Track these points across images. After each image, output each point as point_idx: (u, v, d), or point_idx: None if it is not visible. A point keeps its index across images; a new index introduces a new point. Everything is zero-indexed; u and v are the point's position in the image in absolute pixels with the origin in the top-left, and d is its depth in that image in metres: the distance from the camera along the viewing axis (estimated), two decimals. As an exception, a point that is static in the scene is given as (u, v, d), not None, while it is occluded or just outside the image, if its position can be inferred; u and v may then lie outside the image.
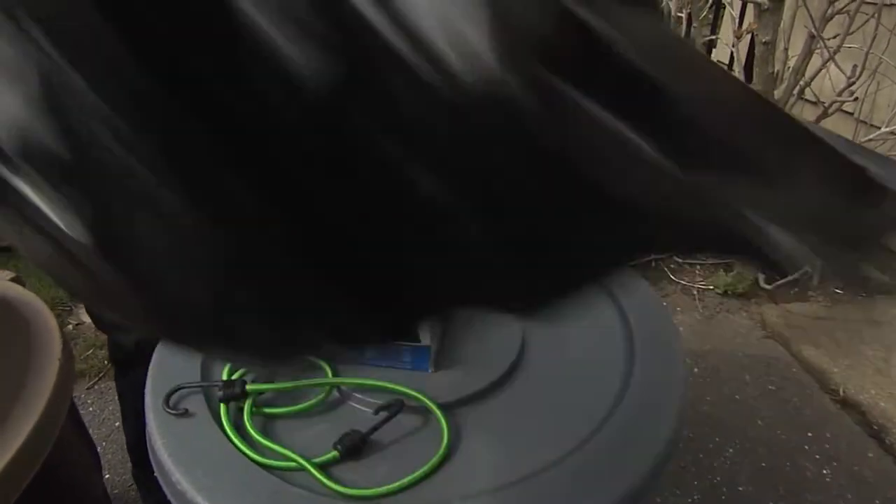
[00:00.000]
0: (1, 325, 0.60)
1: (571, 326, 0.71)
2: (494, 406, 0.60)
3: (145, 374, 0.93)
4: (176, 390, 0.59)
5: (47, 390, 0.57)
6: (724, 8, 2.09)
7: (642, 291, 0.76)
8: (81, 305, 1.62)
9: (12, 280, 0.73)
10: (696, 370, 1.61)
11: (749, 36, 1.65)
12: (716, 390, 1.54)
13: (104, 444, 1.36)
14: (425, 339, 0.60)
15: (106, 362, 1.48)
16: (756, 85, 1.58)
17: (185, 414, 0.57)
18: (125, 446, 1.17)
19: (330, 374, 0.61)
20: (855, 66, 1.46)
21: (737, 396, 1.52)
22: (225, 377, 0.61)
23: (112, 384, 1.10)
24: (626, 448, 0.54)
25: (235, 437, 0.55)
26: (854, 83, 1.45)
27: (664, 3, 1.81)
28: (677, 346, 0.67)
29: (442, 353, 0.64)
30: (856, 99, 1.49)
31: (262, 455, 0.53)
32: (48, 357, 0.61)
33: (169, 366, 0.63)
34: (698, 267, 2.02)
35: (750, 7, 1.62)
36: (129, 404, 1.13)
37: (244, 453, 0.53)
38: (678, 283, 1.95)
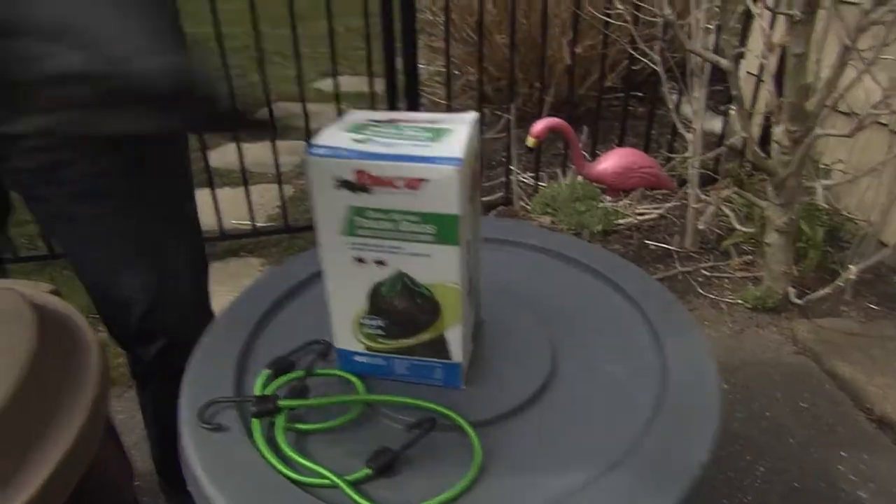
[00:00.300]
0: (42, 337, 0.61)
1: (601, 343, 0.70)
2: (526, 425, 0.59)
3: (166, 387, 0.93)
4: (209, 404, 0.60)
5: (87, 402, 0.58)
6: (754, 19, 2.07)
7: (672, 307, 0.75)
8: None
9: (50, 293, 0.74)
10: (725, 386, 1.58)
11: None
12: (746, 407, 1.51)
13: (133, 451, 1.38)
14: (457, 356, 0.60)
15: (135, 371, 1.50)
16: (788, 97, 1.56)
17: (219, 428, 0.58)
18: (152, 457, 1.18)
19: (362, 391, 0.61)
20: (893, 79, 1.43)
21: (767, 413, 1.49)
22: (258, 392, 0.61)
23: (141, 393, 1.11)
24: (661, 470, 0.53)
25: (268, 453, 0.55)
26: (890, 95, 1.42)
27: (693, 15, 1.80)
28: (711, 366, 0.66)
29: (473, 369, 0.64)
30: (894, 112, 1.46)
31: (295, 471, 0.53)
32: (87, 369, 0.62)
33: (202, 380, 0.64)
34: (727, 281, 1.99)
35: (780, 17, 1.60)
36: (151, 418, 1.14)
37: (277, 469, 0.53)
38: (706, 297, 1.92)
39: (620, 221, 2.23)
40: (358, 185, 0.51)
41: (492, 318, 0.71)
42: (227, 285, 1.98)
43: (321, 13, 2.01)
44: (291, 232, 2.20)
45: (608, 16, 2.18)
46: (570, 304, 0.77)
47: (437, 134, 0.53)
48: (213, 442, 0.57)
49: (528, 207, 2.32)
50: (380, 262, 0.55)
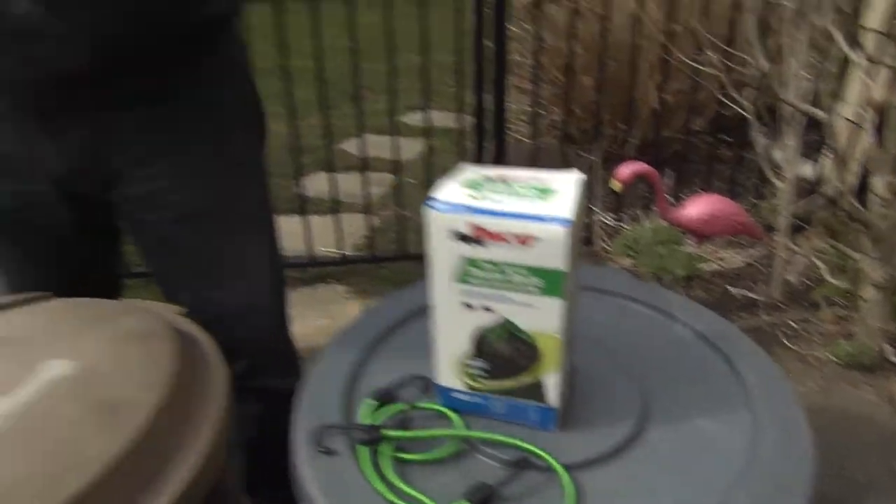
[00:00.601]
0: (181, 354, 0.68)
1: (689, 394, 0.71)
2: (618, 470, 0.61)
3: (249, 405, 1.00)
4: (321, 429, 0.65)
5: (217, 417, 0.65)
6: (851, 65, 2.02)
7: (760, 359, 0.76)
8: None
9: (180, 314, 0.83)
10: (813, 445, 1.52)
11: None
12: (835, 466, 1.45)
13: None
14: (553, 400, 0.63)
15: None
16: (889, 150, 1.52)
17: (329, 452, 0.63)
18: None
19: (461, 427, 0.65)
20: None
21: (861, 477, 1.43)
22: (363, 421, 0.66)
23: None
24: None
25: (374, 479, 0.59)
26: None
27: (788, 63, 1.78)
28: (803, 422, 0.66)
29: (564, 413, 0.67)
30: None
31: (400, 497, 0.58)
32: (216, 386, 0.69)
33: (313, 405, 0.69)
34: (816, 334, 1.92)
35: (881, 67, 1.56)
36: (237, 435, 1.21)
37: (382, 494, 0.58)
38: (793, 349, 1.86)
39: (703, 266, 2.20)
40: (473, 238, 0.56)
41: (581, 365, 0.74)
42: (314, 310, 2.08)
43: (408, 47, 2.11)
44: (377, 262, 2.29)
45: (697, 61, 2.18)
46: (655, 352, 0.78)
47: (545, 193, 0.58)
48: (324, 465, 0.62)
49: (609, 248, 2.32)
50: (487, 309, 0.59)
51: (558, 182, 0.60)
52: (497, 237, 0.55)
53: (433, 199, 0.57)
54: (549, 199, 0.57)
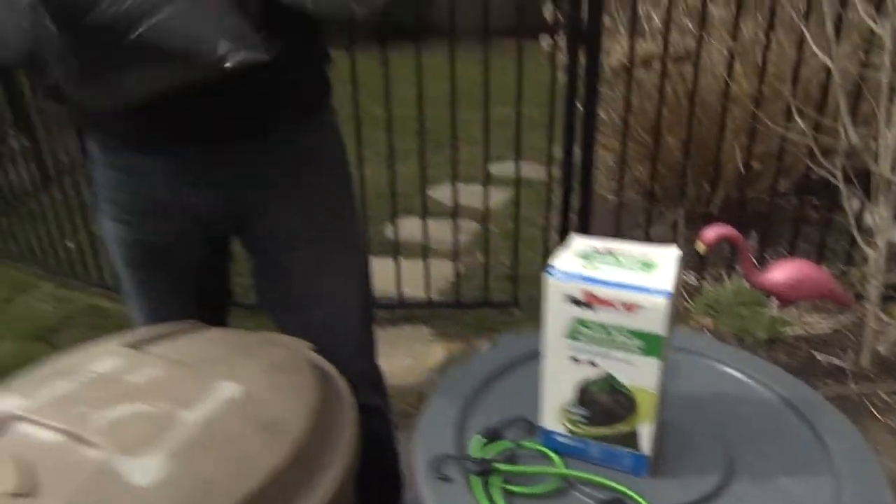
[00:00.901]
0: (321, 386, 0.80)
1: (773, 456, 0.77)
2: (704, 519, 0.68)
3: None
4: (438, 458, 0.75)
5: (349, 441, 0.76)
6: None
7: (844, 427, 0.80)
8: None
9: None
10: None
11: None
12: (925, 547, 1.42)
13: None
14: (647, 449, 0.71)
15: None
16: None
17: (446, 479, 0.73)
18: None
19: (561, 467, 0.73)
20: None
21: (951, 559, 1.39)
22: (474, 454, 0.76)
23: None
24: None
25: (486, 505, 0.69)
26: None
27: (882, 133, 1.80)
28: (889, 495, 0.71)
29: (656, 462, 0.74)
30: None
31: (508, 524, 0.66)
32: (347, 416, 0.80)
33: (430, 438, 0.79)
34: (909, 408, 1.87)
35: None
36: None
37: (493, 520, 0.67)
38: (884, 422, 1.82)
39: (787, 330, 2.19)
40: (584, 302, 0.65)
41: (670, 420, 0.81)
42: (400, 349, 2.21)
43: (500, 100, 2.25)
44: (461, 307, 2.40)
45: (785, 127, 2.22)
46: (739, 414, 0.84)
47: (648, 266, 0.67)
48: (442, 490, 0.72)
49: (690, 307, 2.34)
50: (592, 364, 0.68)
51: (659, 256, 0.69)
52: (606, 303, 0.64)
53: (552, 267, 0.67)
54: (652, 272, 0.66)
